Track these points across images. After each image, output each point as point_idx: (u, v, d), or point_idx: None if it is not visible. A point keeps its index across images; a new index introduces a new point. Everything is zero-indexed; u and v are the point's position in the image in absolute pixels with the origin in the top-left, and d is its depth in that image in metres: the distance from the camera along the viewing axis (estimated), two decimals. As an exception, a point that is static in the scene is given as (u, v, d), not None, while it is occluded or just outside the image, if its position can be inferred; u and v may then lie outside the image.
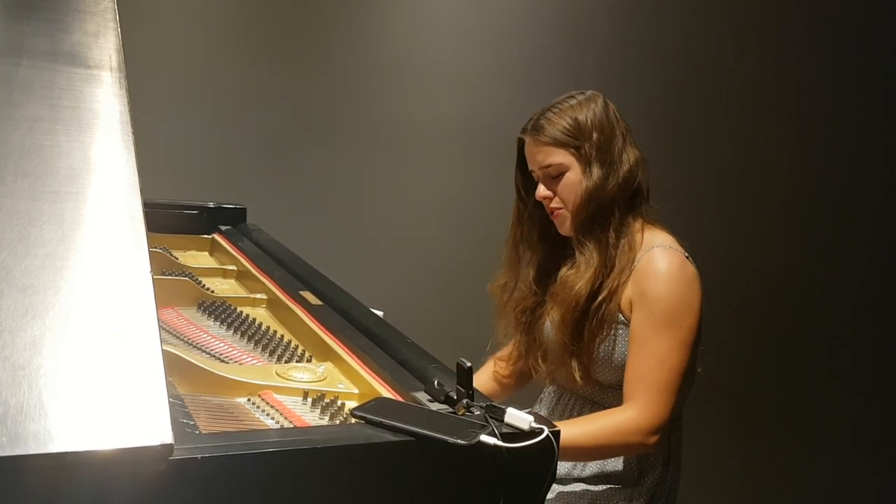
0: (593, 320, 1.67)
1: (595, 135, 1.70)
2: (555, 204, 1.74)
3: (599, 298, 1.67)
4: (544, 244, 1.83)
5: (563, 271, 1.74)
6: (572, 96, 1.75)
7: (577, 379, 1.70)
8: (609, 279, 1.68)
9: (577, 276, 1.69)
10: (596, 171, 1.69)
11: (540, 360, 1.82)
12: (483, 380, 1.97)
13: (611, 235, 1.69)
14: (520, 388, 1.98)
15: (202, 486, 0.97)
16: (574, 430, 1.59)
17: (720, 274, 2.57)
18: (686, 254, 1.69)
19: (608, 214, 1.69)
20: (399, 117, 3.33)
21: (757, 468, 2.81)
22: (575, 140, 1.70)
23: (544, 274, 1.82)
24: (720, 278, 2.55)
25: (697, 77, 2.75)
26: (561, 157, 1.71)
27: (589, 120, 1.70)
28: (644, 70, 2.87)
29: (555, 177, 1.72)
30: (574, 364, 1.70)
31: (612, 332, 1.68)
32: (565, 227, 1.75)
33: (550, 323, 1.76)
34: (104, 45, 1.44)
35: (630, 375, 1.64)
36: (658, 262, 1.65)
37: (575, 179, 1.71)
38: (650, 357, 1.61)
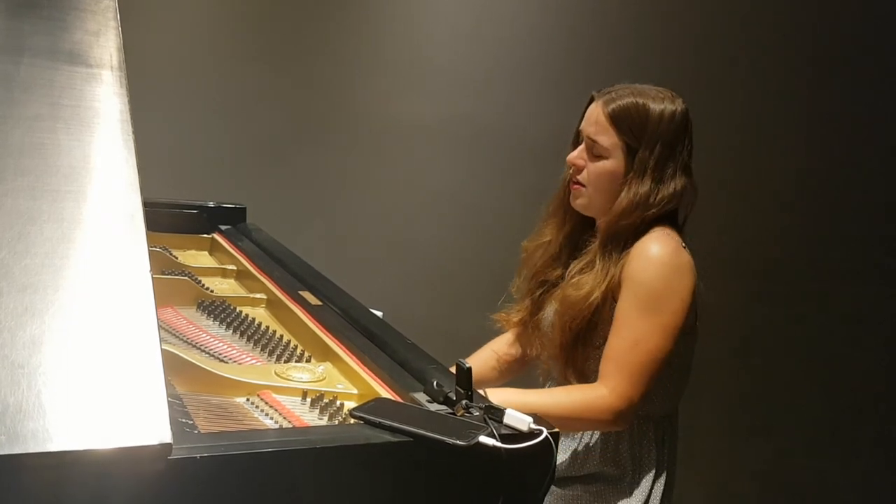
0: (591, 323, 1.66)
1: (658, 147, 1.64)
2: (581, 178, 1.70)
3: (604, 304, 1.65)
4: (579, 213, 1.77)
5: (576, 270, 1.70)
6: (660, 90, 1.68)
7: (573, 382, 1.70)
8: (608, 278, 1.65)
9: (594, 283, 1.65)
10: (647, 183, 1.64)
11: (538, 345, 1.81)
12: (479, 361, 1.94)
13: (629, 244, 1.65)
14: (515, 374, 1.96)
15: (201, 486, 0.96)
16: (545, 398, 1.61)
17: (724, 271, 2.57)
18: (683, 243, 1.66)
19: (638, 226, 1.65)
20: (398, 118, 3.33)
21: (756, 466, 2.81)
22: (634, 136, 1.64)
23: (574, 244, 1.78)
24: (723, 275, 2.55)
25: (701, 77, 2.74)
26: (611, 142, 1.65)
27: (662, 126, 1.64)
28: (646, 70, 2.87)
29: (595, 155, 1.67)
30: (569, 370, 1.69)
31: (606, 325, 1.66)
32: (577, 203, 1.73)
33: (555, 317, 1.73)
34: (105, 44, 1.44)
35: (606, 354, 1.63)
36: (650, 245, 1.62)
37: (611, 171, 1.66)
38: (626, 337, 1.60)
